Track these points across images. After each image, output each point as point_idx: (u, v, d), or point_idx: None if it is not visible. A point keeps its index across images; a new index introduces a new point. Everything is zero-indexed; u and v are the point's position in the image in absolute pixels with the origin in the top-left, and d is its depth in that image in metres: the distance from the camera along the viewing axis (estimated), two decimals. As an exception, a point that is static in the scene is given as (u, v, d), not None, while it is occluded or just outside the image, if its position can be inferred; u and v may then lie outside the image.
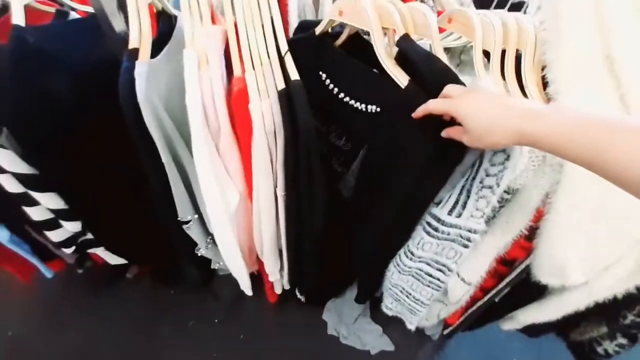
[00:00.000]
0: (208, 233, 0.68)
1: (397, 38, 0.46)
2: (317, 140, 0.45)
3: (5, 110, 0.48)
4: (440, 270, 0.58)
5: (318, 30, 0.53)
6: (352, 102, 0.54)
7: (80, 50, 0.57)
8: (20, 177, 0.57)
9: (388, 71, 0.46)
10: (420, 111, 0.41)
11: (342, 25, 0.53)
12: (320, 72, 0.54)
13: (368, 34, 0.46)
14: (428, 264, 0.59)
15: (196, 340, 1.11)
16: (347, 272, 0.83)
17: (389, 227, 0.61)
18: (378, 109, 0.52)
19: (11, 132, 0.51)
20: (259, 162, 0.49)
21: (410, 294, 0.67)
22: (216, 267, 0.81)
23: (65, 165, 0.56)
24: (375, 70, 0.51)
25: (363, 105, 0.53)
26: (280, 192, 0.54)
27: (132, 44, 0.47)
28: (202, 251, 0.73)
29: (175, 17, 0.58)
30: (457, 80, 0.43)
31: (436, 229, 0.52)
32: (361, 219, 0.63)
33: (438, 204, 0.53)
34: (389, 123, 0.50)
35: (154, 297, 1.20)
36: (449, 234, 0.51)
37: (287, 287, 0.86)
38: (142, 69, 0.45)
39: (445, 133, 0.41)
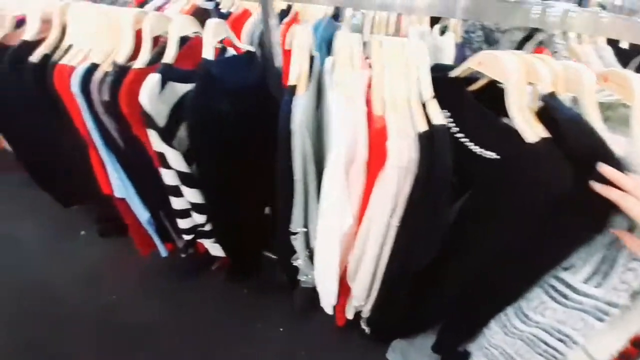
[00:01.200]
0: (308, 247, 0.74)
1: (542, 93, 0.47)
2: (450, 184, 0.46)
3: (189, 120, 0.63)
4: (561, 340, 0.52)
5: (453, 74, 0.56)
6: (471, 144, 0.54)
7: (240, 79, 0.71)
8: (179, 174, 0.71)
9: (515, 123, 0.47)
10: (600, 190, 0.39)
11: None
12: (444, 110, 0.57)
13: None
14: (546, 331, 0.54)
15: (259, 343, 1.17)
16: (428, 316, 0.80)
17: (492, 281, 0.58)
18: (497, 157, 0.52)
19: (190, 138, 0.65)
20: (383, 192, 0.52)
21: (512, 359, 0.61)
22: (302, 279, 0.87)
23: (217, 169, 0.68)
24: (505, 119, 0.51)
25: (481, 150, 0.53)
26: (395, 223, 0.56)
27: (291, 81, 0.57)
28: (298, 261, 0.79)
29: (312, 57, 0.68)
30: (605, 149, 0.41)
31: (565, 296, 0.48)
32: (461, 262, 0.62)
33: (567, 268, 0.49)
34: (507, 173, 0.50)
35: (229, 292, 1.32)
36: (581, 303, 0.46)
37: (365, 314, 0.86)
38: (299, 102, 0.54)
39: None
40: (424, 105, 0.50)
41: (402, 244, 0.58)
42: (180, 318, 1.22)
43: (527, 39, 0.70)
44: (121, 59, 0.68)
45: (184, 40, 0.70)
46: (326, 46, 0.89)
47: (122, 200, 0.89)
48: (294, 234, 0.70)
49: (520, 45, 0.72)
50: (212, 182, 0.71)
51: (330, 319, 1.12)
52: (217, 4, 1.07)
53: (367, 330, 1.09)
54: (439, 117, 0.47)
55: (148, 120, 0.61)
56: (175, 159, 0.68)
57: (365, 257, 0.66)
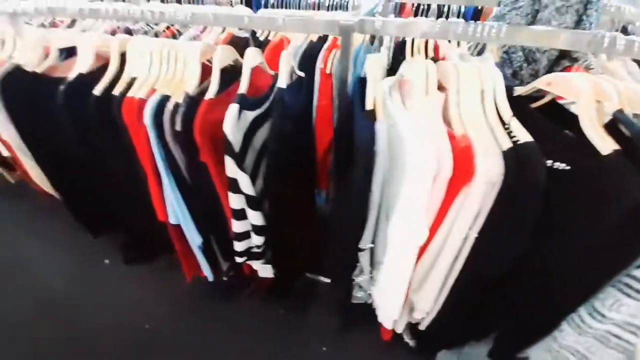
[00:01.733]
0: (372, 263, 0.76)
1: (610, 110, 0.52)
2: (540, 197, 0.50)
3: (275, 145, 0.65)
4: (633, 332, 0.56)
5: (517, 92, 0.61)
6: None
7: (298, 102, 0.75)
8: (247, 198, 0.73)
9: (588, 137, 0.52)
10: None
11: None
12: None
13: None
14: (619, 326, 0.57)
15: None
16: (489, 324, 0.82)
17: (566, 286, 0.61)
18: (567, 167, 0.56)
19: (273, 160, 0.67)
20: (467, 206, 0.56)
21: (585, 357, 0.64)
22: (358, 295, 0.88)
23: (284, 189, 0.71)
24: (568, 132, 0.57)
25: (550, 162, 0.58)
26: (474, 234, 0.59)
27: (369, 106, 0.61)
28: (360, 278, 0.81)
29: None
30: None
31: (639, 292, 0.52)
32: (529, 268, 0.65)
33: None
34: (578, 183, 0.54)
35: (265, 314, 1.30)
36: (656, 297, 0.50)
37: (422, 327, 0.88)
38: (382, 127, 0.58)
39: None
40: (503, 124, 0.55)
41: (480, 253, 0.61)
42: (218, 342, 1.20)
43: (563, 56, 0.77)
44: (191, 90, 0.70)
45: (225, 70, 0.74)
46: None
47: (175, 226, 0.89)
48: (362, 250, 0.73)
49: (555, 62, 0.79)
50: (276, 202, 0.73)
51: (372, 335, 1.13)
52: (254, 33, 1.12)
53: (411, 343, 1.10)
54: (526, 134, 0.52)
55: (229, 149, 0.63)
56: (246, 183, 0.70)
57: (436, 268, 0.68)
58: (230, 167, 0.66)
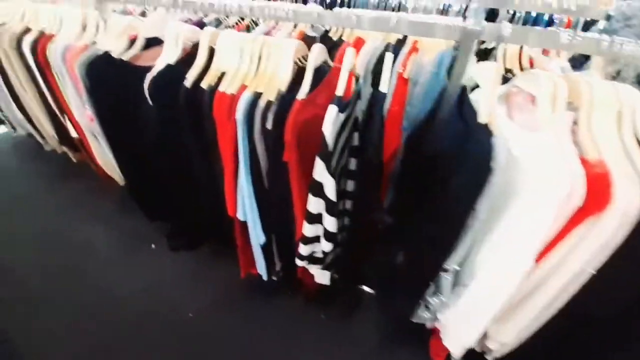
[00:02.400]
0: (453, 286, 0.72)
1: None
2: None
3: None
4: None
5: None
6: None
7: None
8: (328, 203, 0.70)
9: None
10: None
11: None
12: None
13: None
14: None
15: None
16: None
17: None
18: None
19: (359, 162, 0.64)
20: (591, 238, 0.50)
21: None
22: (424, 315, 0.84)
23: (362, 196, 0.68)
24: None
25: None
26: (591, 270, 0.54)
27: (482, 119, 0.56)
28: (435, 298, 0.76)
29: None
30: None
31: None
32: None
33: None
34: None
35: (307, 316, 1.28)
36: None
37: (490, 358, 0.82)
38: (499, 142, 0.53)
39: None
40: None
41: (593, 292, 0.55)
42: (257, 340, 1.19)
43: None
44: (283, 88, 0.69)
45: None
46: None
47: (241, 222, 0.89)
48: (446, 271, 0.68)
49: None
50: (355, 209, 0.71)
51: (418, 352, 1.08)
52: (327, 32, 1.09)
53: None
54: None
55: (325, 151, 0.61)
56: (331, 188, 0.67)
57: (533, 301, 0.63)
58: (319, 170, 0.64)
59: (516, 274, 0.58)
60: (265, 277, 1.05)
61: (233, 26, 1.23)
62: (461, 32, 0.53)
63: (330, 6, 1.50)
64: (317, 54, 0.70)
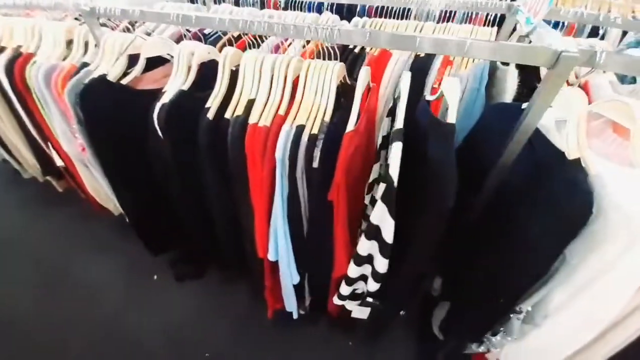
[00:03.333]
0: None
1: None
2: None
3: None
4: None
5: None
6: None
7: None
8: (383, 245, 0.62)
9: None
10: None
11: None
12: None
13: None
14: None
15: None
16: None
17: None
18: None
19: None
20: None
21: None
22: (479, 350, 0.78)
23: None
24: None
25: None
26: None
27: (572, 152, 0.50)
28: (496, 337, 0.70)
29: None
30: None
31: None
32: None
33: None
34: None
35: (334, 344, 1.20)
36: None
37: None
38: (600, 182, 0.47)
39: None
40: None
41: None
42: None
43: None
44: (328, 118, 0.60)
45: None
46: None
47: (271, 262, 0.79)
48: (518, 313, 0.62)
49: None
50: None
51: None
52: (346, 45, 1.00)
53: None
54: None
55: (389, 194, 0.52)
56: (390, 230, 0.59)
57: (609, 342, 0.58)
58: (380, 214, 0.56)
59: (598, 322, 0.53)
60: (295, 315, 0.96)
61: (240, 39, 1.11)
62: (552, 56, 0.46)
63: (347, 13, 1.41)
64: (365, 77, 0.61)
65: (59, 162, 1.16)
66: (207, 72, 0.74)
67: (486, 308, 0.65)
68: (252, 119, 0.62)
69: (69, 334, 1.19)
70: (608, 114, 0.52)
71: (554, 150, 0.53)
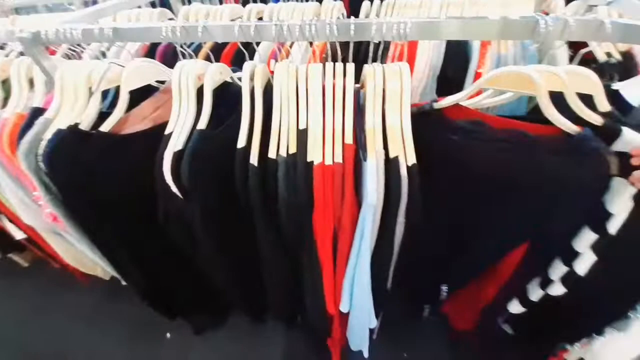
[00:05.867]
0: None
1: None
2: None
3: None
4: None
5: None
6: None
7: None
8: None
9: None
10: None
11: None
12: None
13: None
14: None
15: None
16: None
17: None
18: None
19: None
20: None
21: None
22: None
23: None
24: None
25: None
26: None
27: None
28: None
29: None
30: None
31: None
32: None
33: None
34: None
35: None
36: None
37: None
38: None
39: None
40: None
41: None
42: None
43: None
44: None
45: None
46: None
47: (342, 314, 0.66)
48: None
49: None
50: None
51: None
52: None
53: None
54: None
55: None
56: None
57: None
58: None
59: None
60: (366, 354, 0.84)
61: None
62: None
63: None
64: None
65: (19, 236, 0.90)
66: (218, 99, 0.56)
67: (606, 311, 0.59)
68: (314, 157, 0.47)
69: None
70: None
71: None
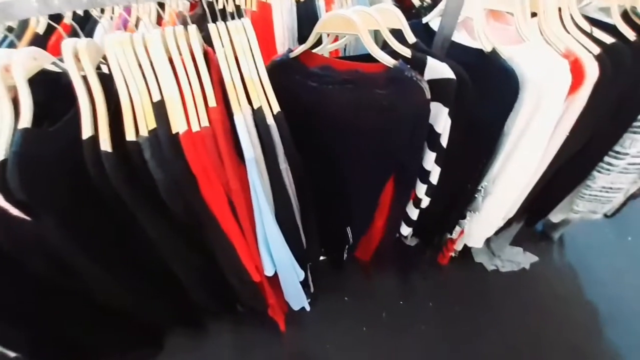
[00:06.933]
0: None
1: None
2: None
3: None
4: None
5: None
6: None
7: None
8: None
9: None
10: None
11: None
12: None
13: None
14: (633, 156, 0.84)
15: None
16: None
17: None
18: None
19: None
20: (572, 111, 0.65)
21: (610, 189, 0.91)
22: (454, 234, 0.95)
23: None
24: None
25: None
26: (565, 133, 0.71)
27: (488, 48, 0.58)
28: (466, 219, 0.85)
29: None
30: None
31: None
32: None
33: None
34: None
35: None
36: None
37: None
38: (515, 64, 0.57)
39: None
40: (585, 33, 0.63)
41: (566, 146, 0.75)
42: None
43: None
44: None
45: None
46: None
47: (269, 278, 0.67)
48: (479, 191, 0.76)
49: None
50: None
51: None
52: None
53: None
54: (609, 38, 0.62)
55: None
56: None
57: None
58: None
59: (533, 165, 0.71)
60: (308, 308, 0.88)
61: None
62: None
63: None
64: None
65: None
66: (47, 92, 0.46)
67: (461, 199, 0.77)
68: (178, 127, 0.44)
69: None
70: (493, 6, 0.62)
71: (471, 50, 0.61)
